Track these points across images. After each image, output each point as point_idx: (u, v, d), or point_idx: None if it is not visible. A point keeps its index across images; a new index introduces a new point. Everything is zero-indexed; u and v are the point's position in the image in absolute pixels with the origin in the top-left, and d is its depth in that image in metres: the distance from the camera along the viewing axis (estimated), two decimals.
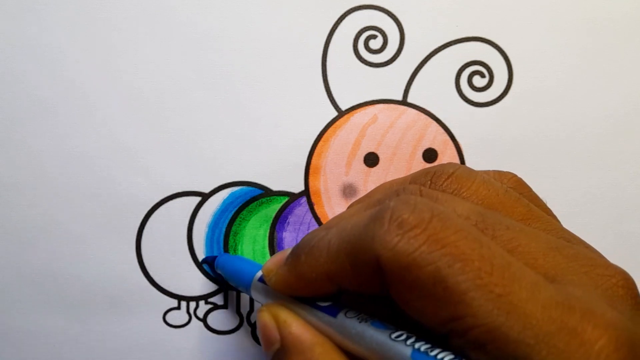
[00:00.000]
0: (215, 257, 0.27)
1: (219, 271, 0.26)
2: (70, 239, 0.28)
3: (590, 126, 0.27)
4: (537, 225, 0.18)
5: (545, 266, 0.16)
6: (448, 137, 0.27)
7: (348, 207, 0.23)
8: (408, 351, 0.15)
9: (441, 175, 0.19)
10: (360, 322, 0.17)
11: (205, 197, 0.28)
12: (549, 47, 0.27)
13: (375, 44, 0.27)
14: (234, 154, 0.27)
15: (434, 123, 0.27)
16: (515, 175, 0.21)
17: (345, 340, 0.17)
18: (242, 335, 0.28)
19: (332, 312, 0.18)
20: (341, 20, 0.27)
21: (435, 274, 0.14)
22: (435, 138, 0.27)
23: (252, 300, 0.28)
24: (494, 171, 0.21)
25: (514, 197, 0.19)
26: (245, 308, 0.28)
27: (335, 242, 0.17)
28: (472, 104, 0.27)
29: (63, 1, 0.27)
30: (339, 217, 0.20)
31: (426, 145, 0.27)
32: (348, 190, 0.28)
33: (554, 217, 0.21)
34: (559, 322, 0.14)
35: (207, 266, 0.28)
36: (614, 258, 0.18)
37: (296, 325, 0.18)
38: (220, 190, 0.28)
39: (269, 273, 0.20)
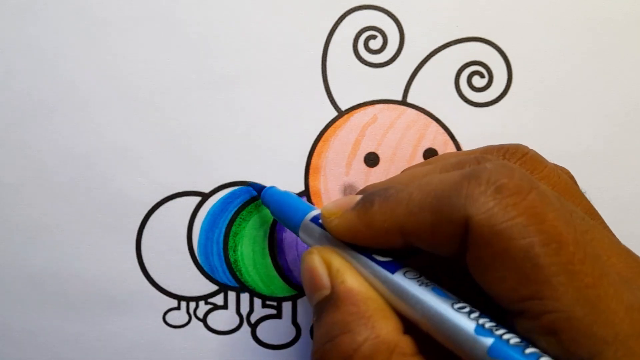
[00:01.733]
0: (263, 187, 0.25)
1: (265, 204, 0.25)
2: (70, 239, 0.28)
3: (590, 126, 0.27)
4: (599, 222, 0.18)
5: (619, 266, 0.15)
6: (448, 137, 0.27)
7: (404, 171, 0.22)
8: (471, 326, 0.14)
9: (516, 153, 0.18)
10: (420, 285, 0.16)
11: (205, 197, 0.28)
12: (548, 47, 0.27)
13: (375, 44, 0.27)
14: (234, 154, 0.27)
15: (434, 123, 0.27)
16: (570, 172, 0.20)
17: (401, 302, 0.16)
18: (242, 335, 0.28)
19: (391, 268, 0.16)
20: (341, 20, 0.27)
21: (528, 248, 0.14)
22: (435, 138, 0.27)
23: (252, 300, 0.28)
24: (553, 164, 0.20)
25: (577, 189, 0.18)
26: (245, 308, 0.28)
27: (418, 195, 0.16)
28: (472, 104, 0.27)
29: (63, 1, 0.27)
30: (409, 175, 0.18)
31: (426, 145, 0.27)
32: (348, 190, 0.28)
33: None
34: (639, 325, 0.13)
35: (254, 190, 0.26)
36: None
37: (350, 276, 0.17)
38: (220, 190, 0.28)
39: (330, 215, 0.18)
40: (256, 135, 0.27)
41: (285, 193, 0.24)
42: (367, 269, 0.17)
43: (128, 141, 0.27)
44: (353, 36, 0.27)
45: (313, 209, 0.20)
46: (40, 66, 0.27)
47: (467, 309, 0.15)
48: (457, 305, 0.15)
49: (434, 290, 0.15)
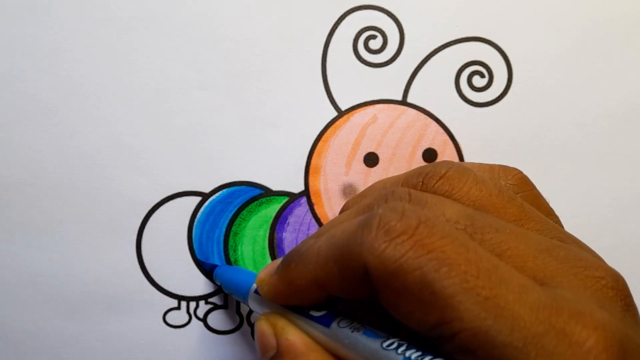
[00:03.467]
0: (215, 266, 0.27)
1: (217, 282, 0.27)
2: (70, 239, 0.28)
3: (590, 126, 0.27)
4: (529, 226, 0.18)
5: (535, 269, 0.16)
6: (448, 137, 0.27)
7: (342, 208, 0.23)
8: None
9: (433, 177, 0.19)
10: (352, 331, 0.17)
11: (205, 197, 0.28)
12: (548, 47, 0.27)
13: (375, 44, 0.27)
14: (234, 154, 0.27)
15: (434, 123, 0.27)
16: (520, 172, 0.21)
17: (340, 349, 0.17)
18: (242, 335, 0.28)
19: (326, 321, 0.18)
20: (341, 20, 0.27)
21: (421, 278, 0.14)
22: (435, 138, 0.27)
23: None
24: (499, 166, 0.21)
25: (507, 197, 0.18)
26: (245, 308, 0.28)
27: (324, 249, 0.17)
28: (472, 104, 0.27)
29: (63, 1, 0.27)
30: (331, 224, 0.20)
31: (426, 145, 0.27)
32: (348, 190, 0.28)
33: (555, 216, 0.21)
34: (547, 323, 0.14)
35: (207, 268, 0.28)
36: (613, 258, 0.18)
37: (292, 333, 0.19)
38: (220, 190, 0.28)
39: (261, 282, 0.20)
40: (256, 135, 0.27)
41: (233, 268, 0.27)
42: (308, 326, 0.19)
43: (128, 141, 0.27)
44: (353, 36, 0.27)
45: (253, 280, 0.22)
46: (40, 66, 0.27)
47: (394, 345, 0.16)
48: (385, 344, 0.16)
49: (365, 333, 0.17)
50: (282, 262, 0.19)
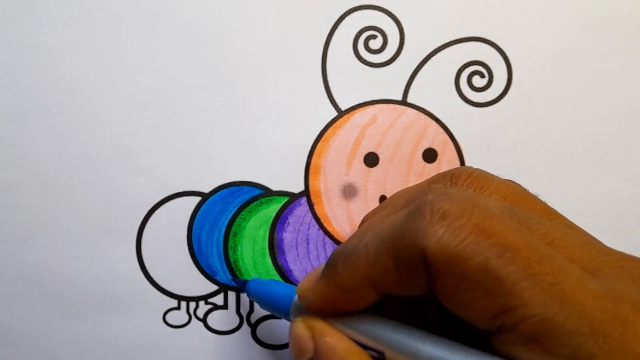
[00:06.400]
0: (246, 281, 0.26)
1: (250, 297, 0.25)
2: (70, 239, 0.28)
3: (590, 126, 0.27)
4: (558, 221, 0.18)
5: (583, 260, 0.15)
6: (448, 137, 0.27)
7: (361, 222, 0.22)
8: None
9: (460, 176, 0.19)
10: (396, 327, 0.16)
11: (205, 197, 0.28)
12: (548, 47, 0.27)
13: (375, 44, 0.27)
14: (234, 154, 0.27)
15: (434, 123, 0.27)
16: (518, 184, 0.21)
17: (385, 350, 0.17)
18: (242, 335, 0.28)
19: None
20: (341, 20, 0.27)
21: (484, 264, 0.14)
22: (435, 138, 0.27)
23: (252, 301, 0.28)
24: (500, 178, 0.21)
25: (531, 195, 0.18)
26: (245, 308, 0.28)
27: (374, 244, 0.16)
28: (472, 104, 0.27)
29: (63, 1, 0.27)
30: (368, 225, 0.19)
31: (426, 145, 0.27)
32: (348, 190, 0.28)
33: None
34: (611, 311, 0.14)
35: (239, 286, 0.27)
36: None
37: (332, 335, 0.18)
38: (220, 190, 0.28)
39: (305, 292, 0.19)
40: (256, 135, 0.27)
41: (266, 282, 0.24)
42: (349, 329, 0.18)
43: (128, 141, 0.27)
44: (353, 36, 0.27)
45: (294, 292, 0.21)
46: (40, 66, 0.27)
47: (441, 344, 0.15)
48: (431, 343, 0.15)
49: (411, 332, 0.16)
50: (326, 266, 0.18)
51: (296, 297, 0.20)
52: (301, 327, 0.18)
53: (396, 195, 0.22)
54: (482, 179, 0.19)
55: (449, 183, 0.19)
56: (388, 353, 0.16)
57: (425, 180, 0.20)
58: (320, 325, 0.18)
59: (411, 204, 0.16)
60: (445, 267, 0.15)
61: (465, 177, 0.19)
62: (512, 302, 0.14)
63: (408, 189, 0.22)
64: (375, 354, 0.17)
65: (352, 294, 0.17)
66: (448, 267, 0.14)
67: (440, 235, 0.15)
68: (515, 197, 0.18)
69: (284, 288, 0.22)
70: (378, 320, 0.17)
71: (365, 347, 0.17)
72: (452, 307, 0.15)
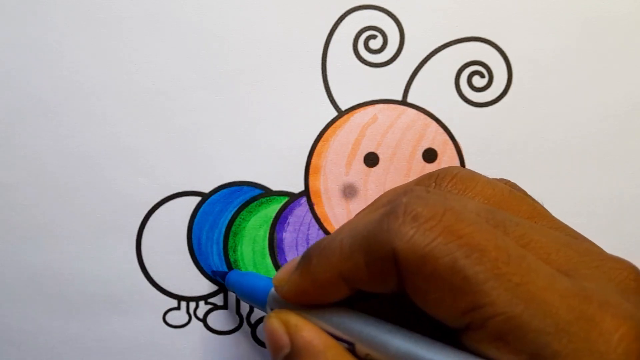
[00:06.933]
0: (226, 272, 0.27)
1: (230, 289, 0.26)
2: (70, 239, 0.28)
3: (590, 126, 0.27)
4: (543, 223, 0.18)
5: (558, 261, 0.16)
6: (448, 137, 0.27)
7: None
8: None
9: (445, 177, 0.19)
10: (369, 321, 0.17)
11: (205, 197, 0.28)
12: (548, 47, 0.27)
13: (375, 44, 0.27)
14: (234, 154, 0.27)
15: (434, 123, 0.27)
16: (510, 181, 0.21)
17: (355, 342, 0.17)
18: (242, 335, 0.28)
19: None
20: (341, 20, 0.27)
21: (452, 264, 0.14)
22: (435, 138, 0.27)
23: None
24: (487, 178, 0.21)
25: (518, 196, 0.19)
26: (245, 308, 0.28)
27: (348, 240, 0.17)
28: (472, 104, 0.27)
29: (63, 1, 0.27)
30: (347, 222, 0.20)
31: (426, 145, 0.27)
32: (348, 190, 0.28)
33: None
34: (577, 311, 0.14)
35: (218, 277, 0.28)
36: None
37: (308, 329, 0.18)
38: (220, 190, 0.28)
39: (280, 283, 0.19)
40: (256, 135, 0.27)
41: (245, 274, 0.25)
42: (322, 321, 0.18)
43: (128, 141, 0.27)
44: (353, 36, 0.27)
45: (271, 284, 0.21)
46: (40, 66, 0.27)
47: (416, 339, 0.16)
48: (403, 337, 0.16)
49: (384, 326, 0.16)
50: (302, 258, 0.19)
51: (273, 288, 0.21)
52: (275, 323, 0.19)
53: (382, 195, 0.23)
54: (467, 180, 0.19)
55: (434, 184, 0.19)
56: (358, 345, 0.17)
57: (413, 181, 0.21)
58: (294, 319, 0.18)
59: (390, 205, 0.17)
60: (414, 266, 0.15)
61: (449, 178, 0.19)
62: (479, 300, 0.14)
63: (395, 189, 0.22)
64: (346, 345, 0.17)
65: (325, 288, 0.18)
66: (417, 266, 0.15)
67: (410, 235, 0.15)
68: (500, 198, 0.18)
69: (262, 280, 0.23)
70: (350, 313, 0.18)
71: (337, 338, 0.18)
72: (422, 305, 0.16)
